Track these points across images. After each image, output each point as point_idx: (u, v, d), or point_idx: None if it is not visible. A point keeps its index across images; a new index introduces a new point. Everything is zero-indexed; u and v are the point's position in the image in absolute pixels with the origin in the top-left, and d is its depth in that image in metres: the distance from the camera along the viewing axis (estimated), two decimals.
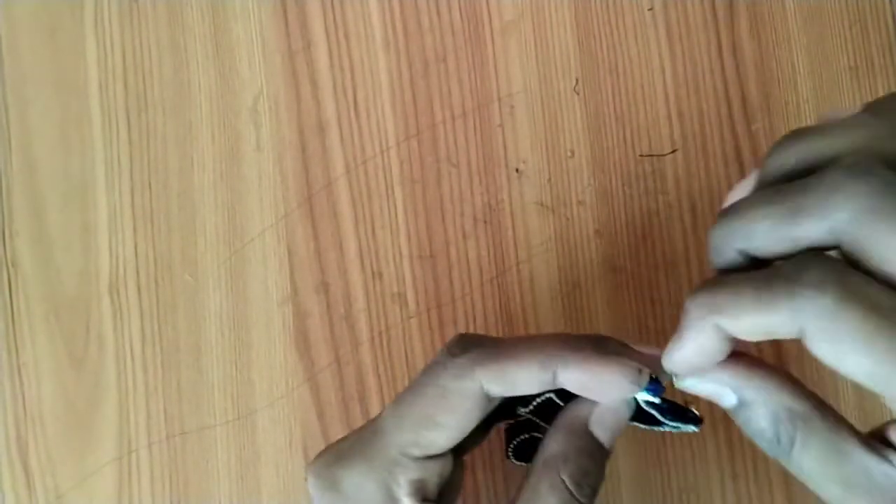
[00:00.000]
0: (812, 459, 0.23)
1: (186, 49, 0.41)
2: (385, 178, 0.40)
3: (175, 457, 0.38)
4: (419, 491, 0.27)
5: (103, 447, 0.38)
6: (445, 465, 0.28)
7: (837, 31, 0.40)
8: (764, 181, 0.25)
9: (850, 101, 0.40)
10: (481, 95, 0.40)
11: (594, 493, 0.27)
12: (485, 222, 0.39)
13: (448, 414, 0.27)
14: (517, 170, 0.40)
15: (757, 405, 0.24)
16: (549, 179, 0.39)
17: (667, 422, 0.28)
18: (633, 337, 0.39)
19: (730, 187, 0.39)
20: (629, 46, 0.40)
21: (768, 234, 0.23)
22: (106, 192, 0.40)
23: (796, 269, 0.22)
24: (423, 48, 0.40)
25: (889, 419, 0.24)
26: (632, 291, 0.39)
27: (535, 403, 0.29)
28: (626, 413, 0.28)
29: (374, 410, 0.38)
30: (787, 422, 0.24)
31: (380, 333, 0.39)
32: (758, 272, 0.23)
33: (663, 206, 0.39)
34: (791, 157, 0.24)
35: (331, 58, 0.40)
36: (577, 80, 0.40)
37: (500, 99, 0.40)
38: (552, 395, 0.29)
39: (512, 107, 0.40)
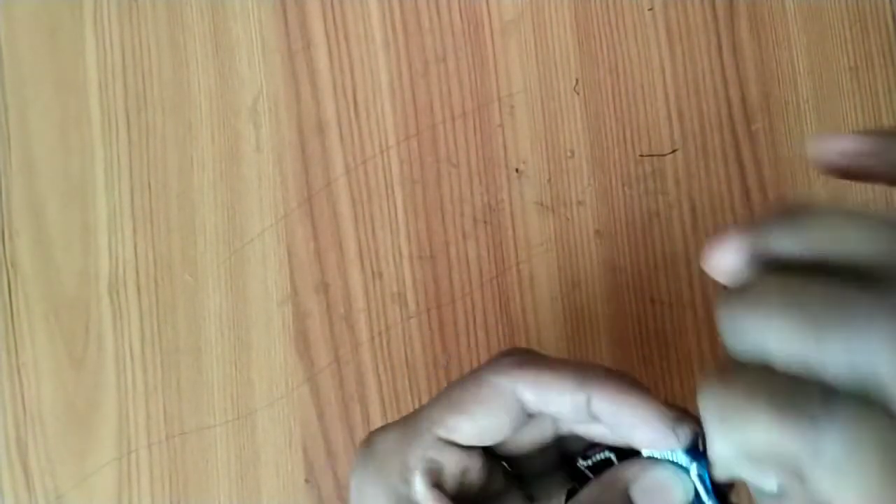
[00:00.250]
0: None
1: (186, 49, 0.41)
2: (385, 178, 0.40)
3: (175, 457, 0.38)
4: (433, 472, 0.26)
5: (103, 447, 0.38)
6: (470, 462, 0.27)
7: (837, 31, 0.40)
8: (764, 257, 0.21)
9: (850, 101, 0.40)
10: (481, 95, 0.40)
11: None
12: (485, 222, 0.39)
13: (477, 404, 0.26)
14: (517, 170, 0.40)
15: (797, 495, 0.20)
16: (549, 179, 0.39)
17: None
18: (634, 337, 0.39)
19: (730, 188, 0.39)
20: (629, 46, 0.40)
21: (781, 347, 0.19)
22: (106, 192, 0.40)
23: (827, 395, 0.18)
24: (423, 48, 0.40)
25: None
26: (632, 291, 0.39)
27: (592, 460, 0.28)
28: (676, 488, 0.25)
29: (374, 410, 0.38)
30: None
31: (380, 333, 0.39)
32: (780, 378, 0.19)
33: (663, 206, 0.39)
34: (803, 243, 0.19)
35: (331, 58, 0.40)
36: (577, 80, 0.40)
37: (500, 99, 0.40)
38: (611, 456, 0.27)
39: (512, 107, 0.40)
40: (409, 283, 0.39)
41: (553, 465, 0.29)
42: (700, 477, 0.25)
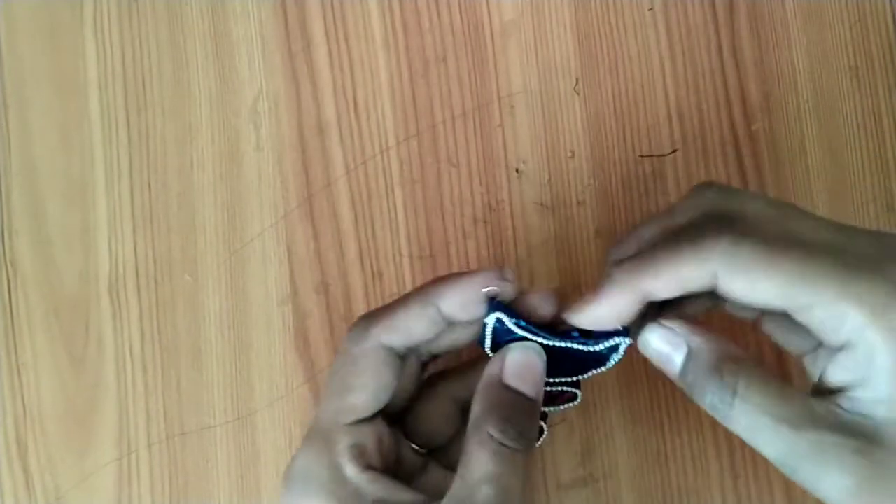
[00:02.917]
0: (756, 402, 0.25)
1: (186, 49, 0.41)
2: (385, 178, 0.40)
3: (175, 457, 0.38)
4: (359, 456, 0.28)
5: (103, 447, 0.38)
6: (380, 432, 0.29)
7: (837, 31, 0.40)
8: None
9: (850, 101, 0.40)
10: (481, 95, 0.40)
11: (524, 436, 0.27)
12: (485, 222, 0.39)
13: (359, 376, 0.29)
14: (517, 170, 0.40)
15: (703, 353, 0.26)
16: (549, 179, 0.39)
17: (592, 346, 0.29)
18: None
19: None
20: (629, 46, 0.40)
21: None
22: (106, 192, 0.40)
23: (695, 229, 0.27)
24: (423, 48, 0.40)
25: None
26: None
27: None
28: (537, 357, 0.29)
29: None
30: (731, 363, 0.26)
31: None
32: (665, 241, 0.27)
33: (663, 206, 0.39)
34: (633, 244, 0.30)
35: (331, 58, 0.40)
36: (577, 80, 0.40)
37: (500, 99, 0.40)
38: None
39: (512, 107, 0.40)
40: (409, 283, 0.39)
41: (459, 430, 0.31)
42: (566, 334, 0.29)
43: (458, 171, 0.40)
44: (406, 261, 0.39)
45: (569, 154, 0.40)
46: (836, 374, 0.26)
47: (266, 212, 0.40)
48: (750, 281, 0.25)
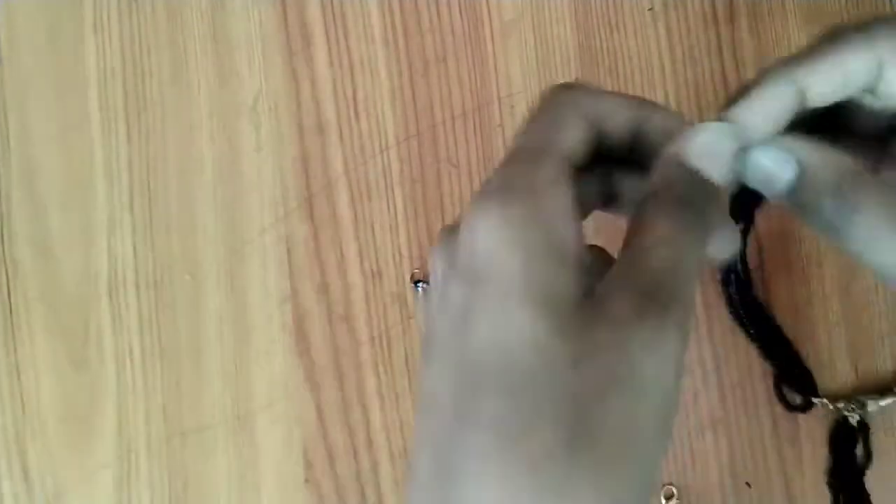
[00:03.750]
0: (876, 213, 0.23)
1: (186, 49, 0.41)
2: (385, 178, 0.40)
3: (175, 457, 0.38)
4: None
5: (103, 447, 0.38)
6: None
7: None
8: None
9: None
10: (481, 95, 0.40)
11: (704, 217, 0.24)
12: None
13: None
14: None
15: (822, 169, 0.24)
16: None
17: None
18: None
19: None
20: (629, 46, 0.40)
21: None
22: (105, 192, 0.40)
23: (863, 21, 0.25)
24: (423, 48, 0.40)
25: None
26: None
27: None
28: (724, 145, 0.25)
29: (374, 410, 0.38)
30: (850, 177, 0.24)
31: (380, 333, 0.39)
32: (825, 34, 0.25)
33: None
34: None
35: (331, 58, 0.40)
36: (576, 81, 0.40)
37: (500, 99, 0.40)
38: None
39: (512, 107, 0.40)
40: (408, 283, 0.39)
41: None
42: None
43: (458, 171, 0.40)
44: (406, 261, 0.39)
45: None
46: None
47: (266, 212, 0.40)
48: None
